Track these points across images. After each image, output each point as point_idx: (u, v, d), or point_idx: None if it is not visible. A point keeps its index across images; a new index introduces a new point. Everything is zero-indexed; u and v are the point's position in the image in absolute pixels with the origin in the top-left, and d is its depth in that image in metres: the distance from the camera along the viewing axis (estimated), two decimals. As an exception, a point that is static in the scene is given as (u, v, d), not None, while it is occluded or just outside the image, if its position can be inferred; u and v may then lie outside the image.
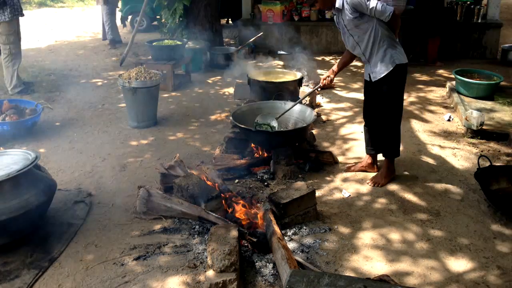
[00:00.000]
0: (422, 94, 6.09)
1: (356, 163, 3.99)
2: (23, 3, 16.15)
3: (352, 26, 3.39)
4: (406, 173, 3.87)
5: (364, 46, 3.44)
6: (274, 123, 4.06)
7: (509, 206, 3.17)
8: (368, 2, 3.21)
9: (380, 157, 3.85)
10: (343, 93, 6.23)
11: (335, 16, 3.58)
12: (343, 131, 4.86)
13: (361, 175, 3.84)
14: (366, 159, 3.91)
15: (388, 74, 3.40)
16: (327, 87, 6.36)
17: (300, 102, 4.22)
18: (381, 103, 3.56)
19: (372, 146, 3.83)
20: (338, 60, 3.90)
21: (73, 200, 3.43)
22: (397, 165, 3.98)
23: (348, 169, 3.92)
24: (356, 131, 4.79)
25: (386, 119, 3.59)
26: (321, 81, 3.87)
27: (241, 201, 3.25)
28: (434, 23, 7.33)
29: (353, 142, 4.53)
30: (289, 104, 4.34)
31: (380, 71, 3.43)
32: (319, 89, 4.28)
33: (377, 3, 3.21)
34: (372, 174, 3.82)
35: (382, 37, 3.36)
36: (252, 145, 4.08)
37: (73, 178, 3.87)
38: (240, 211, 3.16)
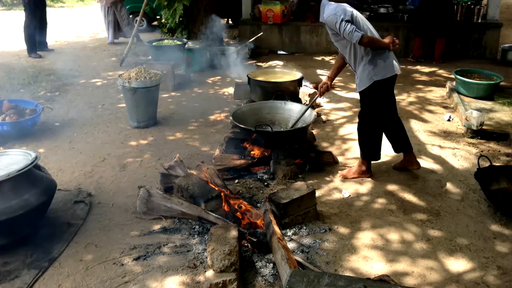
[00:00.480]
0: (422, 94, 6.09)
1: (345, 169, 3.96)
2: (23, 3, 16.15)
3: (334, 40, 3.52)
4: (406, 173, 3.87)
5: (347, 58, 3.56)
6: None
7: (509, 206, 3.17)
8: (339, 25, 3.25)
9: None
10: (342, 93, 6.23)
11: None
12: (342, 131, 4.86)
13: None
14: (358, 166, 3.82)
15: (365, 89, 3.49)
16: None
17: (306, 110, 4.10)
18: (360, 111, 3.68)
19: (394, 147, 3.85)
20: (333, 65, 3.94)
21: (73, 200, 3.44)
22: (397, 164, 3.99)
23: (344, 176, 3.82)
24: (355, 131, 4.76)
25: (360, 125, 3.71)
26: (319, 89, 3.88)
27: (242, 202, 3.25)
28: (445, 23, 7.37)
29: (352, 142, 4.53)
30: (290, 104, 4.34)
31: (360, 84, 3.52)
32: (318, 98, 4.25)
33: (345, 28, 3.22)
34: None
35: (361, 53, 3.42)
36: (246, 144, 4.07)
37: (73, 178, 3.87)
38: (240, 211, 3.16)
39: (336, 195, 3.54)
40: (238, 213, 3.12)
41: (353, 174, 3.78)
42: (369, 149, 3.72)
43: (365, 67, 3.42)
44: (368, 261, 2.77)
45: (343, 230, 3.08)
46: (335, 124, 5.07)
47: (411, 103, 5.69)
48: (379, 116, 3.63)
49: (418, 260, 2.78)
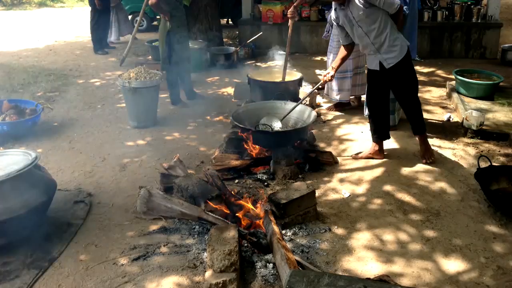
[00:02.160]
0: (421, 94, 6.06)
1: (360, 152, 4.20)
2: (23, 3, 16.17)
3: (363, 17, 3.57)
4: (406, 173, 3.87)
5: (373, 35, 3.64)
6: (278, 124, 4.09)
7: (509, 206, 3.17)
8: None
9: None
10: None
11: (333, 13, 3.84)
12: (339, 131, 4.85)
13: (359, 175, 3.84)
14: (373, 146, 4.10)
15: (404, 58, 3.66)
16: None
17: (301, 103, 4.24)
18: (401, 87, 3.84)
19: (377, 133, 4.04)
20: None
21: (73, 200, 3.44)
22: (396, 165, 3.99)
23: (355, 157, 4.12)
24: (352, 132, 4.78)
25: (410, 99, 3.88)
26: (322, 78, 3.98)
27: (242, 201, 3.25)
28: None
29: (349, 142, 4.52)
30: (290, 104, 4.34)
31: (397, 56, 3.65)
32: (320, 87, 4.34)
33: None
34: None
35: (391, 26, 3.62)
36: (249, 145, 4.07)
37: (73, 178, 3.87)
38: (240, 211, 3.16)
39: (336, 195, 3.54)
40: (238, 213, 3.12)
41: (430, 151, 3.99)
42: (423, 119, 3.98)
43: (397, 38, 3.63)
44: (368, 261, 2.77)
45: (343, 230, 3.08)
46: (333, 125, 5.06)
47: (411, 103, 5.69)
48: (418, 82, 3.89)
49: (418, 260, 2.78)
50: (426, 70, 7.39)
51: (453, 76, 5.70)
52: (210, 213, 3.04)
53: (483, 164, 3.47)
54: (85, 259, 2.81)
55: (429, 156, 3.99)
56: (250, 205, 3.22)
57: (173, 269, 2.69)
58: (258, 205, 3.25)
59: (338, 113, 5.42)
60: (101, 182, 3.79)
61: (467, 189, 3.59)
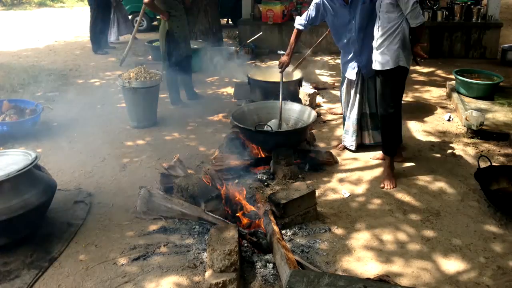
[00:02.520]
0: (421, 94, 6.09)
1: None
2: (23, 3, 16.17)
3: (384, 10, 3.44)
4: (406, 173, 3.87)
5: (381, 33, 3.52)
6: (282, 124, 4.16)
7: (509, 206, 3.17)
8: (413, 1, 3.33)
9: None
10: (339, 93, 6.20)
11: None
12: (339, 132, 4.84)
13: (359, 175, 3.84)
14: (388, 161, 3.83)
15: (390, 70, 3.54)
16: (325, 87, 6.36)
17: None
18: (379, 96, 3.71)
19: (392, 146, 3.87)
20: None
21: (73, 200, 3.44)
22: (396, 164, 3.98)
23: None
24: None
25: (381, 113, 3.73)
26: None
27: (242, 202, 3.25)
28: None
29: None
30: (289, 103, 4.34)
31: (387, 63, 3.53)
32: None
33: (417, 7, 3.34)
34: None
35: (402, 35, 3.48)
36: (251, 145, 4.07)
37: (73, 178, 3.87)
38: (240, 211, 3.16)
39: (336, 195, 3.54)
40: (238, 213, 3.12)
41: (392, 182, 3.65)
42: (392, 142, 3.75)
43: (398, 49, 3.47)
44: (368, 261, 2.77)
45: (343, 230, 3.08)
46: (332, 125, 5.06)
47: (410, 103, 5.69)
48: (398, 105, 3.67)
49: (417, 260, 2.78)
50: (426, 70, 7.39)
51: (453, 76, 5.70)
52: (210, 213, 3.04)
53: (483, 164, 3.47)
54: (85, 259, 2.81)
55: (388, 183, 3.62)
56: (250, 205, 3.22)
57: (173, 269, 2.69)
58: (258, 205, 3.25)
59: (338, 114, 5.41)
60: (101, 182, 3.79)
61: (467, 189, 3.59)
